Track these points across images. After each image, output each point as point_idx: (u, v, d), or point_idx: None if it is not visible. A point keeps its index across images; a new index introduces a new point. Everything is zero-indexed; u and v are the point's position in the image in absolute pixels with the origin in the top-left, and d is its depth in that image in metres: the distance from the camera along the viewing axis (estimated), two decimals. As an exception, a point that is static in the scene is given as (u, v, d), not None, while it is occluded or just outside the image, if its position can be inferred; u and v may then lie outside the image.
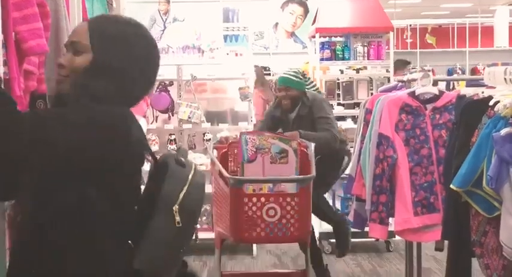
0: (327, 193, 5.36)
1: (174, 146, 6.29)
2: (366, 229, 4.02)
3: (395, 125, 3.84)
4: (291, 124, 4.95)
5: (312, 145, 3.98)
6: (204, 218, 6.20)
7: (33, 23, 2.66)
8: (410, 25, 17.61)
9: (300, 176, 3.74)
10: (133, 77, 1.81)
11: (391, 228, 3.91)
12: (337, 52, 6.65)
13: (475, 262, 3.06)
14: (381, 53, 6.67)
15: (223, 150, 4.19)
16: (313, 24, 7.14)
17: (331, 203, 5.69)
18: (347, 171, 4.60)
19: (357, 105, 6.46)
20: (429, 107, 3.87)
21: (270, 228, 3.49)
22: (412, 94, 3.88)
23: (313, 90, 5.18)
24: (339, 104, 6.74)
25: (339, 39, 6.84)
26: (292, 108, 4.98)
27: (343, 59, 6.67)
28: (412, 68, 13.10)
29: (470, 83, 5.46)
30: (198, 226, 6.15)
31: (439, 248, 3.68)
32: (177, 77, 6.46)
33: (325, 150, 4.69)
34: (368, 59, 6.66)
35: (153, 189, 1.82)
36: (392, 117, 3.84)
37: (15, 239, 1.85)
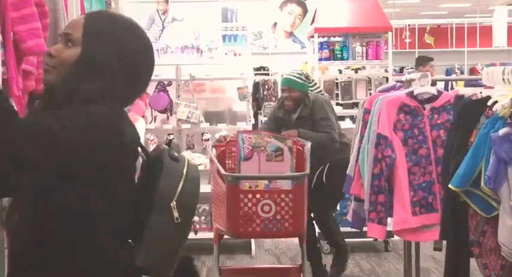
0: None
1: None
2: (365, 229, 4.02)
3: (394, 124, 3.85)
4: (294, 124, 5.02)
5: (309, 143, 4.06)
6: (203, 218, 6.20)
7: (31, 22, 2.67)
8: (408, 25, 17.63)
9: (293, 173, 3.87)
10: (120, 77, 1.78)
11: (389, 227, 3.91)
12: (336, 52, 6.65)
13: (473, 262, 3.07)
14: (380, 53, 6.67)
15: (222, 149, 4.28)
16: (311, 24, 7.14)
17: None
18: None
19: (356, 105, 6.46)
20: (427, 107, 3.87)
21: (265, 224, 3.60)
22: (411, 94, 3.88)
23: (317, 92, 5.24)
24: (337, 104, 6.73)
25: (337, 39, 6.84)
26: (294, 109, 5.05)
27: (342, 58, 6.66)
28: (411, 68, 13.12)
29: (468, 83, 5.47)
30: (197, 226, 6.16)
31: (437, 248, 3.68)
32: (175, 77, 6.46)
33: (321, 151, 4.82)
34: (367, 59, 6.66)
35: (148, 185, 1.82)
36: (390, 117, 3.84)
37: (14, 239, 1.84)
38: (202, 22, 7.15)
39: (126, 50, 1.80)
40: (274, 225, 3.59)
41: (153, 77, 1.92)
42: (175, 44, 6.68)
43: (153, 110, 6.47)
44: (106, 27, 1.80)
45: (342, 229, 5.50)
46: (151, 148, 6.08)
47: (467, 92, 3.27)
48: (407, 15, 18.46)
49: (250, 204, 3.58)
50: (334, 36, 6.90)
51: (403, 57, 15.66)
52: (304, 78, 5.08)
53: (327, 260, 5.52)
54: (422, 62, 9.24)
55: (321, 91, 5.44)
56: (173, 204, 1.78)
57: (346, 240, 5.41)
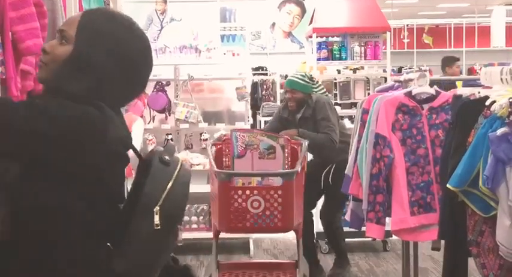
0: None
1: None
2: (363, 228, 4.03)
3: (392, 124, 3.85)
4: (297, 125, 5.11)
5: (306, 142, 4.17)
6: (201, 218, 6.20)
7: (30, 22, 2.66)
8: (407, 25, 17.66)
9: (283, 170, 4.00)
10: (116, 76, 1.76)
11: (387, 227, 3.91)
12: (334, 52, 6.65)
13: (471, 262, 3.07)
14: (378, 53, 6.68)
15: (219, 147, 4.38)
16: (310, 24, 7.13)
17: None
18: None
19: (354, 105, 6.47)
20: (426, 106, 3.87)
21: (255, 219, 3.73)
22: (409, 94, 3.88)
23: (321, 93, 5.36)
24: (336, 104, 6.74)
25: (336, 39, 6.85)
26: (297, 109, 5.16)
27: (340, 59, 6.66)
28: (409, 68, 13.13)
29: (466, 83, 5.47)
30: (196, 226, 6.15)
31: (435, 248, 3.68)
32: (174, 77, 6.47)
33: (320, 151, 4.94)
34: (365, 59, 6.66)
35: (136, 188, 1.78)
36: (389, 117, 3.84)
37: None
38: (201, 22, 7.13)
39: (124, 49, 1.77)
40: (263, 221, 3.72)
41: (151, 77, 1.89)
42: (174, 44, 6.68)
43: (152, 110, 6.47)
44: (102, 25, 1.77)
45: (341, 229, 5.52)
46: (149, 148, 6.08)
47: (466, 91, 3.28)
48: (405, 15, 18.49)
49: (240, 200, 3.70)
50: (333, 36, 6.90)
51: (401, 57, 15.69)
52: (307, 80, 5.18)
53: (326, 260, 5.53)
54: (449, 62, 9.22)
55: (325, 92, 5.54)
56: (156, 209, 1.71)
57: (345, 240, 5.45)
